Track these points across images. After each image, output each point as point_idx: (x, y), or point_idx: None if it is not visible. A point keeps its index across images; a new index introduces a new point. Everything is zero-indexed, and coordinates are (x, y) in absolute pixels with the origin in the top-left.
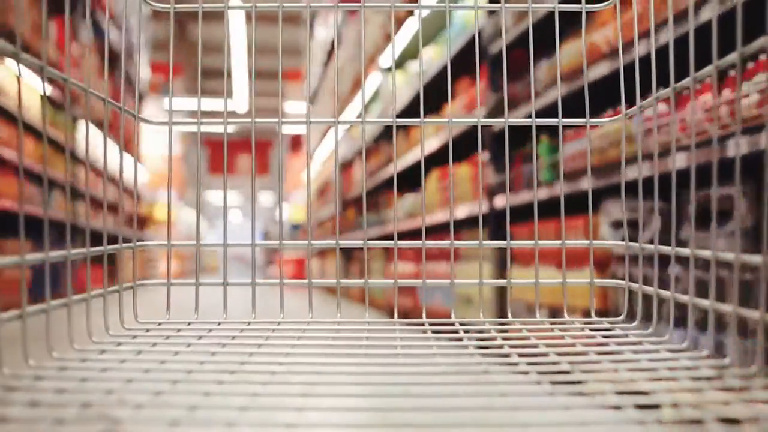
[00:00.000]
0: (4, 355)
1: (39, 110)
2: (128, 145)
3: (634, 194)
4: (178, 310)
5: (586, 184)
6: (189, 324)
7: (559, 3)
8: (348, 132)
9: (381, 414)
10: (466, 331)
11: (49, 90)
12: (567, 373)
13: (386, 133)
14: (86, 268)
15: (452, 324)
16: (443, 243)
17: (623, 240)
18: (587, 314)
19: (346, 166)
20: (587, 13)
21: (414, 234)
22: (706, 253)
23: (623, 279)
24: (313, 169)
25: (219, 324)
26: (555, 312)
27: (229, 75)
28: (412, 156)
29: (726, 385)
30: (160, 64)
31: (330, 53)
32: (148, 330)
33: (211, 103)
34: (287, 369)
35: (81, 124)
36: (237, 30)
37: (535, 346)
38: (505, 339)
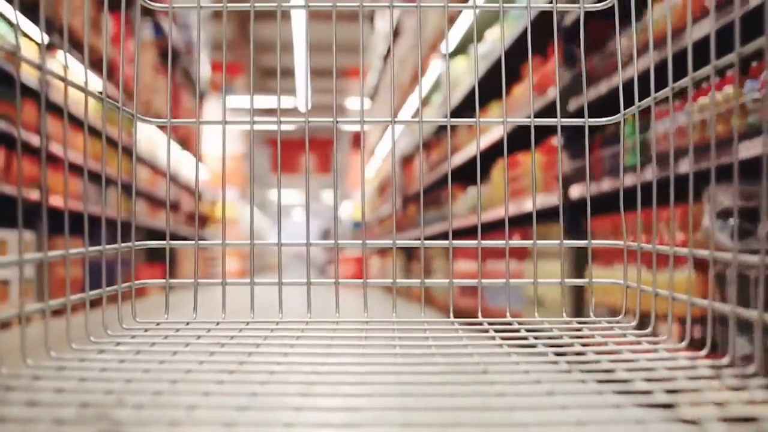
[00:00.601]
0: (3, 355)
1: (92, 106)
2: (188, 144)
3: (748, 177)
4: (234, 311)
5: (683, 167)
6: (188, 324)
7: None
8: (408, 126)
9: (379, 413)
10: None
11: (99, 84)
12: (568, 372)
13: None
14: (142, 265)
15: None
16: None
17: (730, 234)
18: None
19: (407, 161)
20: None
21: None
22: (703, 253)
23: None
24: (374, 165)
25: (218, 324)
26: (614, 312)
27: (291, 74)
28: (475, 147)
29: (724, 384)
30: (220, 63)
31: (389, 49)
32: (146, 330)
33: (274, 101)
34: (286, 369)
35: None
36: (297, 28)
37: (534, 345)
38: (504, 339)
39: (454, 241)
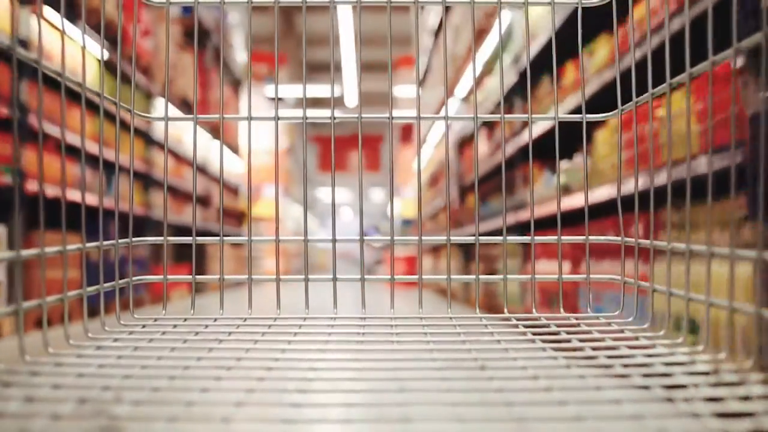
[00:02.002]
0: (0, 351)
1: (96, 79)
2: (228, 137)
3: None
4: (288, 310)
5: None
6: (185, 320)
7: None
8: (465, 100)
9: (376, 409)
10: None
11: (106, 55)
12: (566, 368)
13: (519, 87)
14: (172, 265)
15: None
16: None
17: None
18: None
19: (464, 143)
20: None
21: (570, 218)
22: (701, 249)
23: None
24: (425, 153)
25: (215, 320)
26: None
27: (337, 67)
28: (568, 103)
29: (721, 380)
30: (262, 54)
31: (441, 22)
32: (144, 326)
33: (319, 90)
34: (283, 365)
35: (158, 102)
36: (345, 21)
37: (532, 341)
38: (501, 334)
39: (509, 237)
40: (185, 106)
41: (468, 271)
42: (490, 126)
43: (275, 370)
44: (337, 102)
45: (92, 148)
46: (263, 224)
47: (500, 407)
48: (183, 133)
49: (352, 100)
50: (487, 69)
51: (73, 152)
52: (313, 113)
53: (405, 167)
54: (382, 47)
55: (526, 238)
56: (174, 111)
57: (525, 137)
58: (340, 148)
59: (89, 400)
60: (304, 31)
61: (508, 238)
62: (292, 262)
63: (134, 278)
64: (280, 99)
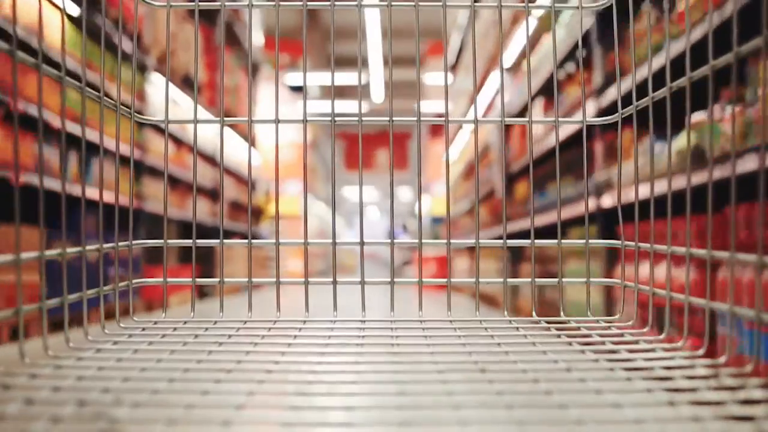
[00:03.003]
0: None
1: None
2: (243, 127)
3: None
4: (314, 311)
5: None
6: (185, 323)
7: None
8: (512, 71)
9: (376, 412)
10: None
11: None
12: (567, 371)
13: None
14: (175, 267)
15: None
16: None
17: None
18: None
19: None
20: None
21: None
22: (701, 252)
23: None
24: (462, 138)
25: (215, 323)
26: None
27: (365, 62)
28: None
29: (721, 383)
30: (284, 42)
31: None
32: (144, 329)
33: (343, 78)
34: (283, 368)
35: (155, 77)
36: (371, 13)
37: (533, 344)
38: (501, 338)
39: (508, 240)
40: (187, 85)
41: (517, 274)
42: (548, 95)
43: (275, 373)
44: (364, 93)
45: (72, 129)
46: (285, 222)
47: (500, 410)
48: (185, 113)
49: (378, 93)
50: (544, 26)
51: (51, 135)
52: (342, 106)
53: (434, 162)
54: (411, 39)
55: (525, 242)
56: (175, 92)
57: (603, 104)
58: (365, 145)
59: (89, 403)
60: (332, 38)
61: (508, 241)
62: (314, 262)
63: (134, 281)
64: (300, 90)
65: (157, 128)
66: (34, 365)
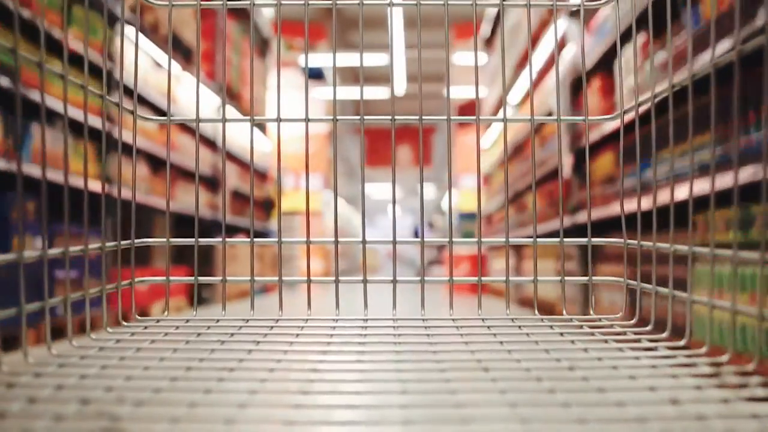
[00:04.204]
0: (3, 352)
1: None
2: (236, 100)
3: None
4: (342, 310)
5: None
6: (187, 322)
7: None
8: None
9: (378, 411)
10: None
11: None
12: (570, 369)
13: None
14: (177, 267)
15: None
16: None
17: None
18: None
19: (580, 83)
20: None
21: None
22: (704, 251)
23: None
24: (491, 132)
25: (218, 321)
26: None
27: (385, 47)
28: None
29: (724, 381)
30: (298, 25)
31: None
32: (146, 327)
33: (358, 60)
34: (286, 366)
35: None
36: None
37: (536, 342)
38: (504, 336)
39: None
40: (181, 53)
41: (597, 273)
42: (604, 70)
43: (278, 372)
44: (387, 82)
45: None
46: (299, 218)
47: (504, 408)
48: (181, 88)
49: (400, 84)
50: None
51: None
52: (370, 96)
53: (463, 154)
54: (436, 25)
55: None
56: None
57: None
58: (385, 140)
59: (92, 401)
60: (361, 42)
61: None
62: (329, 262)
63: (136, 280)
64: (317, 76)
65: (151, 105)
66: (37, 363)
